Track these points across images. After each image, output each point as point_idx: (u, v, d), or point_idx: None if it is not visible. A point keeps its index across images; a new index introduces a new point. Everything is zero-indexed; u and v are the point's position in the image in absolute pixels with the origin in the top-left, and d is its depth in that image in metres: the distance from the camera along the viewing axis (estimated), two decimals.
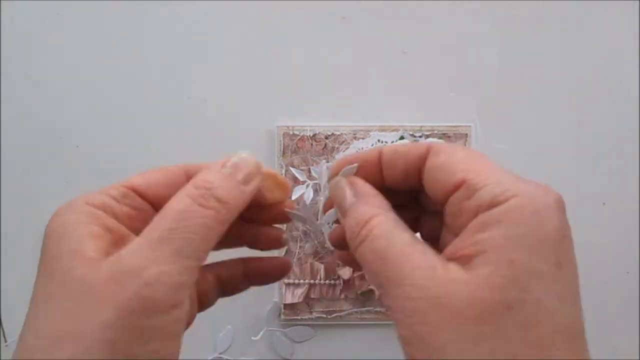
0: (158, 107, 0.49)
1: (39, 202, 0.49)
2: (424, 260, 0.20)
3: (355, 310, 0.49)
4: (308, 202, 0.48)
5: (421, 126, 0.48)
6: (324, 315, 0.49)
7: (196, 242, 0.21)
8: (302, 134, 0.48)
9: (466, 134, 0.48)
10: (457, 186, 0.22)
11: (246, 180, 0.24)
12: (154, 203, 0.24)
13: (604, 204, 0.50)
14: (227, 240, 0.26)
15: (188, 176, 0.25)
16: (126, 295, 0.18)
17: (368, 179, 0.25)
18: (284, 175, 0.48)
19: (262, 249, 0.29)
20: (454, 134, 0.48)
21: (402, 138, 0.48)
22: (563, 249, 0.20)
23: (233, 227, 0.24)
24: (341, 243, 0.26)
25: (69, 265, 0.20)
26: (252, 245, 0.29)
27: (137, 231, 0.22)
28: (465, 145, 0.48)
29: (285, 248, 0.43)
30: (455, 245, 0.21)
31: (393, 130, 0.48)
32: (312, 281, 0.48)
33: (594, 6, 0.49)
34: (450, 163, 0.22)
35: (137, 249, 0.20)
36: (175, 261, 0.20)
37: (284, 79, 0.49)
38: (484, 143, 0.49)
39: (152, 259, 0.19)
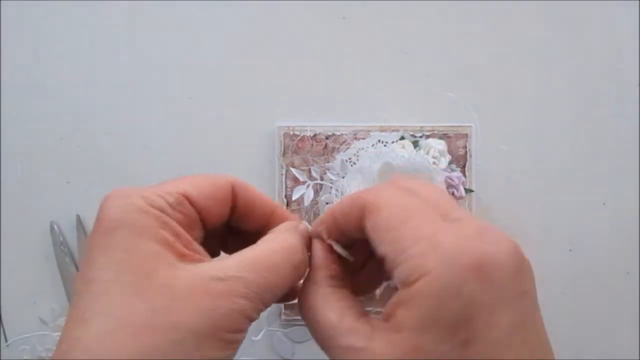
0: (158, 107, 0.49)
1: (39, 202, 0.49)
2: (347, 342, 0.22)
3: None
4: (308, 202, 0.48)
5: (421, 126, 0.48)
6: None
7: (275, 296, 0.24)
8: (302, 134, 0.48)
9: (466, 134, 0.48)
10: (382, 259, 0.23)
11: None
12: (200, 210, 0.25)
13: (604, 204, 0.50)
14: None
15: (234, 191, 0.27)
16: (222, 312, 0.21)
17: (336, 238, 0.26)
18: (284, 175, 0.48)
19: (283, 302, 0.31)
20: (454, 134, 0.48)
21: (402, 138, 0.48)
22: (472, 324, 0.20)
23: None
24: None
25: (150, 267, 0.22)
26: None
27: (187, 238, 0.24)
28: (465, 145, 0.48)
29: None
30: (386, 311, 0.22)
31: (393, 131, 0.48)
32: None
33: (594, 6, 0.49)
34: (376, 230, 0.23)
35: (234, 278, 0.22)
36: (257, 304, 0.23)
37: (284, 79, 0.49)
38: (484, 143, 0.49)
39: (244, 295, 0.22)
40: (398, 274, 0.21)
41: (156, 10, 0.48)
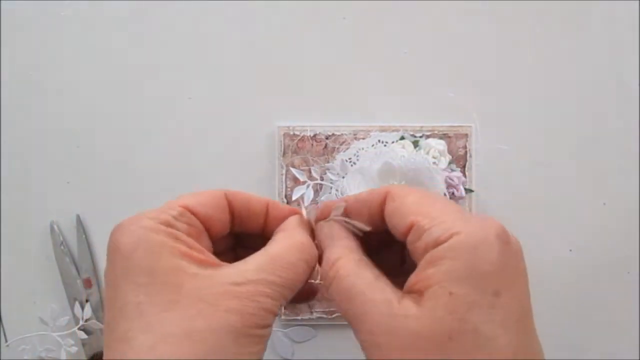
0: (158, 107, 0.49)
1: (39, 202, 0.49)
2: (381, 298, 0.23)
3: None
4: (308, 202, 0.48)
5: (421, 126, 0.48)
6: (325, 316, 0.49)
7: (294, 291, 0.26)
8: (302, 134, 0.48)
9: (466, 134, 0.48)
10: (409, 228, 0.25)
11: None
12: (203, 220, 0.27)
13: (604, 204, 0.50)
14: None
15: (228, 199, 0.29)
16: (250, 311, 0.23)
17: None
18: (284, 175, 0.48)
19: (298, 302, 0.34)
20: (454, 134, 0.48)
21: (402, 138, 0.48)
22: (503, 278, 0.22)
23: None
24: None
25: (174, 281, 0.23)
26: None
27: (199, 247, 0.26)
28: (465, 145, 0.48)
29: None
30: (410, 280, 0.24)
31: (393, 131, 0.48)
32: (312, 281, 0.48)
33: (594, 6, 0.49)
34: (403, 208, 0.25)
35: (254, 281, 0.24)
36: (280, 300, 0.25)
37: (284, 79, 0.49)
38: (484, 143, 0.49)
39: (268, 295, 0.24)
40: (427, 237, 0.23)
41: (156, 11, 0.48)
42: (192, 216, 0.27)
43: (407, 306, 0.22)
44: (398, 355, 0.22)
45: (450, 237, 0.23)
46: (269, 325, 0.24)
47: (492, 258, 0.22)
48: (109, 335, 0.23)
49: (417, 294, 0.23)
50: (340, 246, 0.27)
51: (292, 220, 0.29)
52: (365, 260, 0.26)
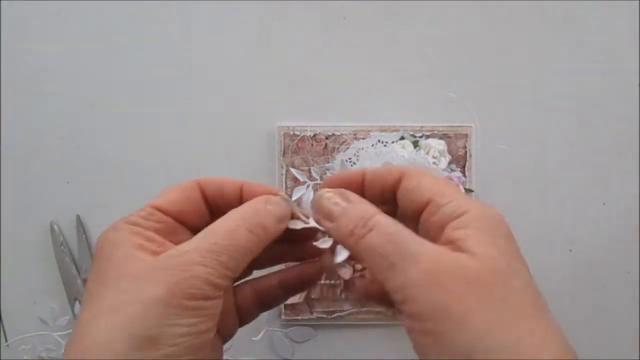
0: (158, 107, 0.49)
1: (39, 202, 0.49)
2: (430, 243, 0.24)
3: (356, 310, 0.49)
4: (308, 202, 0.48)
5: (421, 126, 0.48)
6: (325, 316, 0.49)
7: (236, 259, 0.25)
8: (302, 134, 0.48)
9: (466, 134, 0.48)
10: (426, 204, 0.26)
11: (281, 220, 0.28)
12: (176, 217, 0.28)
13: (604, 204, 0.50)
14: (265, 261, 0.32)
15: (201, 188, 0.29)
16: (175, 280, 0.23)
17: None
18: (284, 175, 0.48)
19: (301, 260, 0.33)
20: (454, 134, 0.48)
21: (402, 138, 0.48)
22: (516, 248, 0.25)
23: (268, 251, 0.29)
24: (369, 294, 0.30)
25: (123, 264, 0.25)
26: (290, 260, 0.33)
27: (167, 239, 0.27)
28: (465, 145, 0.48)
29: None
30: (442, 240, 0.25)
31: (393, 131, 0.48)
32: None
33: (594, 6, 0.49)
34: (420, 186, 0.27)
35: (188, 252, 0.25)
36: (217, 268, 0.24)
37: (284, 79, 0.49)
38: (484, 143, 0.49)
39: (200, 262, 0.24)
40: (446, 209, 0.25)
41: (156, 11, 0.48)
42: (161, 214, 0.28)
43: (456, 252, 0.24)
44: (466, 291, 0.22)
45: (466, 211, 0.25)
46: (207, 297, 0.24)
47: (507, 227, 0.25)
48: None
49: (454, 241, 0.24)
50: (369, 207, 0.27)
51: (256, 198, 0.29)
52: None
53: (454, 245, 0.24)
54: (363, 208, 0.26)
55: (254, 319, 0.32)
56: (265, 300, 0.32)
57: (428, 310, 0.22)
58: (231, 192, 0.29)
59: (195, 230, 0.28)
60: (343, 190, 0.28)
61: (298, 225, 0.30)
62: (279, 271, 0.32)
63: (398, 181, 0.28)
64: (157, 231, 0.27)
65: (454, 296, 0.22)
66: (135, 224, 0.27)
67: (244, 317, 0.31)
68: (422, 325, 0.22)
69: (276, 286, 0.32)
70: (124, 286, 0.24)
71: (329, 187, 0.29)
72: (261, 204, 0.28)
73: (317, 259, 0.32)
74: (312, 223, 0.30)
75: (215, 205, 0.30)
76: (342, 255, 0.28)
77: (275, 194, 0.29)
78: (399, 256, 0.24)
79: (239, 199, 0.29)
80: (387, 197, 0.29)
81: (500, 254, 0.24)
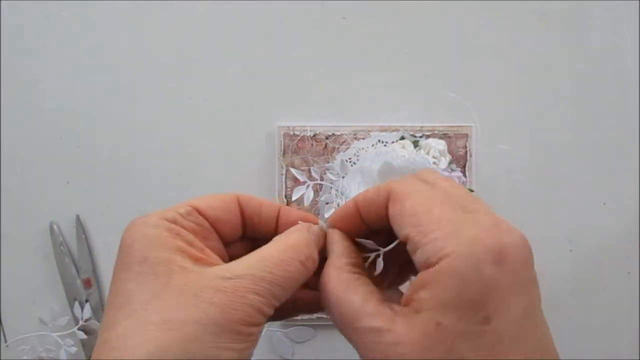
0: (158, 107, 0.49)
1: (39, 202, 0.49)
2: (370, 324, 0.23)
3: None
4: (308, 202, 0.48)
5: (421, 126, 0.48)
6: (325, 316, 0.49)
7: (285, 289, 0.25)
8: (302, 134, 0.48)
9: (466, 134, 0.48)
10: (405, 241, 0.24)
11: (322, 251, 0.28)
12: (212, 223, 0.28)
13: (604, 204, 0.50)
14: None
15: (240, 204, 0.29)
16: (233, 306, 0.23)
17: (357, 228, 0.28)
18: (284, 175, 0.48)
19: (316, 312, 0.32)
20: (454, 134, 0.48)
21: (402, 138, 0.48)
22: (494, 302, 0.21)
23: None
24: None
25: (165, 271, 0.23)
26: (308, 310, 0.32)
27: (200, 246, 0.26)
28: (465, 145, 0.48)
29: None
30: (407, 294, 0.24)
31: (393, 131, 0.48)
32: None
33: (594, 6, 0.49)
34: (400, 215, 0.25)
35: (243, 277, 0.24)
36: (267, 297, 0.24)
37: (284, 79, 0.49)
38: (484, 143, 0.49)
39: (254, 290, 0.24)
40: (420, 256, 0.23)
41: (156, 11, 0.48)
42: (199, 216, 0.27)
43: (397, 332, 0.22)
44: None
45: (439, 260, 0.22)
46: (257, 324, 0.24)
47: (480, 284, 0.21)
48: (101, 323, 0.24)
49: (413, 311, 0.23)
50: (331, 264, 0.27)
51: (298, 225, 0.29)
52: (356, 277, 0.26)
53: (413, 305, 0.23)
54: (325, 270, 0.27)
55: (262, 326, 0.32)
56: (276, 313, 0.32)
57: None
58: (270, 215, 0.29)
59: (226, 241, 0.28)
60: (333, 235, 0.28)
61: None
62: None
63: (387, 203, 0.26)
64: (195, 233, 0.26)
65: None
66: (173, 221, 0.26)
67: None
68: None
69: (290, 302, 0.31)
70: (175, 299, 0.23)
71: (333, 227, 0.29)
72: (306, 234, 0.28)
73: None
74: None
75: (250, 223, 0.29)
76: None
77: (315, 223, 0.29)
78: (345, 335, 0.25)
79: (276, 221, 0.29)
80: (386, 221, 0.27)
81: (441, 338, 0.21)
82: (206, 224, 0.27)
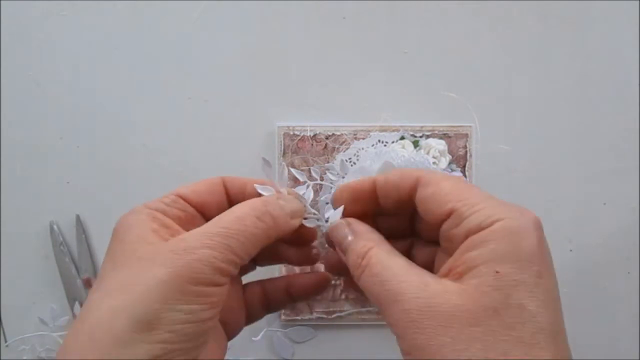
0: (158, 107, 0.49)
1: (39, 202, 0.49)
2: (416, 278, 0.24)
3: (356, 310, 0.49)
4: (308, 202, 0.48)
5: (422, 126, 0.48)
6: (325, 316, 0.49)
7: (244, 244, 0.25)
8: (302, 134, 0.48)
9: (466, 134, 0.48)
10: (448, 215, 0.25)
11: (293, 216, 0.29)
12: (198, 207, 0.29)
13: (604, 204, 0.50)
14: (269, 257, 0.32)
15: (225, 185, 0.30)
16: (180, 263, 0.23)
17: (365, 208, 0.29)
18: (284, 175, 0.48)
19: (299, 265, 0.34)
20: (454, 134, 0.48)
21: (402, 138, 0.48)
22: (543, 261, 0.23)
23: (274, 248, 0.30)
24: (335, 268, 0.32)
25: (134, 246, 0.25)
26: (290, 262, 0.33)
27: (185, 229, 0.27)
28: (465, 145, 0.48)
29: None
30: (449, 264, 0.24)
31: (393, 131, 0.48)
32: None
33: (594, 6, 0.49)
34: (439, 194, 0.26)
35: (197, 234, 0.25)
36: (223, 252, 0.24)
37: (284, 79, 0.49)
38: (484, 143, 0.49)
39: (207, 245, 0.24)
40: (470, 222, 0.24)
41: (156, 11, 0.48)
42: (184, 203, 0.28)
43: (446, 284, 0.23)
44: (439, 329, 0.22)
45: (493, 223, 0.23)
46: (212, 283, 0.24)
47: (533, 242, 0.23)
48: None
49: (456, 276, 0.23)
50: (369, 239, 0.27)
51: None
52: (395, 251, 0.26)
53: (459, 269, 0.23)
54: (360, 244, 0.27)
55: (259, 319, 0.32)
56: (272, 302, 0.32)
57: (409, 348, 0.23)
58: (253, 191, 0.30)
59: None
60: (351, 220, 0.29)
61: (312, 223, 0.31)
62: (287, 276, 0.33)
63: (413, 188, 0.27)
64: (177, 219, 0.27)
65: (427, 335, 0.22)
66: (156, 209, 0.27)
67: (250, 315, 0.32)
68: None
69: (283, 289, 0.32)
70: (131, 268, 0.24)
71: (340, 198, 0.30)
72: (272, 197, 0.29)
73: (322, 271, 0.33)
74: (324, 222, 0.30)
75: (236, 201, 0.30)
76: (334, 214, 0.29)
77: (290, 193, 0.30)
78: (383, 296, 0.24)
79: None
80: (404, 206, 0.28)
81: (499, 285, 0.22)
82: (190, 209, 0.28)
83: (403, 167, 0.45)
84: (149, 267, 0.23)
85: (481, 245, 0.23)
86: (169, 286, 0.23)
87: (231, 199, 0.30)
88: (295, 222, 0.29)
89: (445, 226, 0.25)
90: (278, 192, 0.30)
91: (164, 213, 0.27)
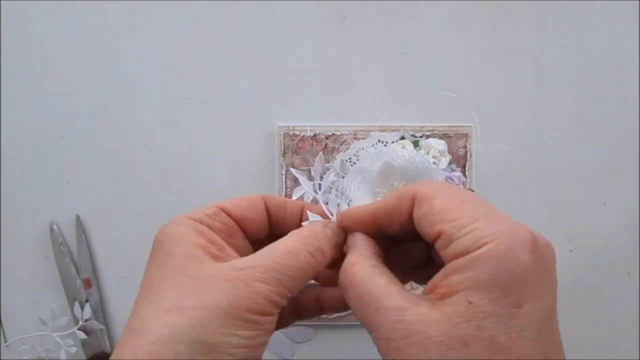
0: (158, 107, 0.49)
1: (39, 202, 0.49)
2: (394, 305, 0.23)
3: None
4: (308, 202, 0.48)
5: (421, 126, 0.48)
6: (325, 316, 0.49)
7: (295, 279, 0.26)
8: (302, 134, 0.48)
9: (466, 134, 0.48)
10: (437, 237, 0.25)
11: (337, 246, 0.29)
12: (239, 221, 0.29)
13: (604, 204, 0.50)
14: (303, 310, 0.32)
15: (266, 202, 0.30)
16: (240, 293, 0.24)
17: (371, 233, 0.29)
18: (284, 175, 0.48)
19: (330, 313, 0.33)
20: (454, 134, 0.48)
21: (402, 138, 0.48)
22: (527, 289, 0.22)
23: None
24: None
25: (184, 263, 0.25)
26: (321, 311, 0.33)
27: (228, 243, 0.28)
28: (465, 145, 0.48)
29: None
30: (433, 282, 0.24)
31: (393, 131, 0.48)
32: (312, 281, 0.48)
33: (594, 6, 0.49)
34: (430, 214, 0.25)
35: (252, 267, 0.25)
36: (277, 287, 0.25)
37: (284, 79, 0.49)
38: (484, 143, 0.49)
39: (262, 279, 0.25)
40: (457, 245, 0.23)
41: (156, 10, 0.48)
42: (225, 216, 0.29)
43: (421, 312, 0.23)
44: (416, 357, 0.22)
45: (480, 246, 0.23)
46: (266, 313, 0.25)
47: (517, 269, 0.22)
48: (130, 314, 0.26)
49: (439, 296, 0.23)
50: (356, 253, 0.27)
51: (311, 222, 0.30)
52: (380, 266, 0.26)
53: (441, 290, 0.23)
54: (347, 259, 0.27)
55: (289, 325, 0.33)
56: (302, 311, 0.32)
57: None
58: (293, 212, 0.31)
59: (253, 239, 0.30)
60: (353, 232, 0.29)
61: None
62: (318, 287, 0.33)
63: (411, 208, 0.27)
64: (219, 232, 0.28)
65: None
66: (199, 221, 0.28)
67: (280, 321, 0.31)
68: None
69: (312, 301, 0.32)
70: (188, 288, 0.24)
71: (343, 226, 0.29)
72: (320, 228, 0.29)
73: None
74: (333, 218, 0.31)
75: (276, 221, 0.31)
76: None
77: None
78: (366, 322, 0.24)
79: (300, 219, 0.31)
80: (409, 227, 0.27)
81: (471, 317, 0.22)
82: (232, 223, 0.29)
83: (403, 167, 0.45)
84: (209, 291, 0.24)
85: (462, 271, 0.23)
86: (230, 313, 0.24)
87: (271, 218, 0.31)
88: (337, 252, 0.29)
89: (436, 246, 0.25)
90: (327, 218, 0.30)
91: (208, 226, 0.28)
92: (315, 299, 0.32)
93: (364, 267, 0.26)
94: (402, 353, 0.22)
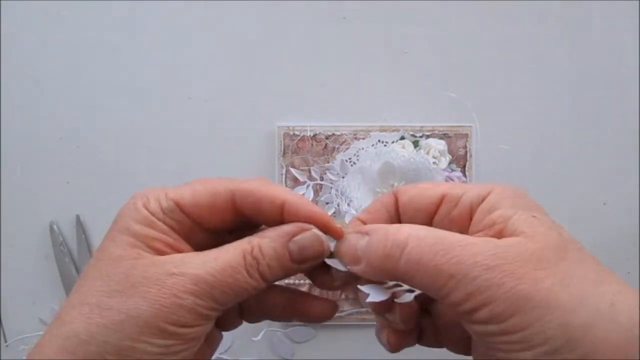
0: (158, 107, 0.49)
1: (39, 202, 0.49)
2: (475, 239, 0.23)
3: (356, 310, 0.49)
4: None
5: (422, 126, 0.48)
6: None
7: (230, 296, 0.24)
8: (302, 134, 0.48)
9: (466, 134, 0.48)
10: (441, 199, 0.26)
11: (302, 262, 0.26)
12: (195, 219, 0.26)
13: (604, 204, 0.50)
14: (272, 310, 0.30)
15: (235, 199, 0.26)
16: (164, 303, 0.23)
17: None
18: (284, 175, 0.48)
19: (312, 322, 0.32)
20: (454, 134, 0.48)
21: (402, 138, 0.48)
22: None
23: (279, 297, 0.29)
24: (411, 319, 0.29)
25: (119, 255, 0.24)
26: (301, 318, 0.30)
27: (180, 234, 0.26)
28: (465, 145, 0.48)
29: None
30: (471, 231, 0.25)
31: (393, 131, 0.48)
32: (305, 280, 0.48)
33: (594, 6, 0.49)
34: (422, 195, 0.27)
35: (184, 274, 0.24)
36: (207, 301, 0.24)
37: (284, 79, 0.49)
38: (484, 143, 0.49)
39: (191, 291, 0.23)
40: (467, 198, 0.26)
41: (156, 11, 0.48)
42: (180, 213, 0.26)
43: (501, 240, 0.23)
44: (537, 276, 0.22)
45: (487, 194, 0.25)
46: (190, 326, 0.23)
47: (527, 195, 0.26)
48: None
49: (496, 235, 0.24)
50: (392, 224, 0.26)
51: (278, 229, 0.26)
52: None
53: (493, 230, 0.24)
54: (387, 229, 0.24)
55: (257, 322, 0.31)
56: (267, 313, 0.30)
57: (509, 306, 0.21)
58: (270, 211, 0.26)
59: (215, 231, 0.27)
60: (357, 223, 0.27)
61: (339, 266, 0.27)
62: (288, 294, 0.30)
63: (437, 205, 0.26)
64: (173, 228, 0.26)
65: (530, 283, 0.21)
66: (153, 213, 0.25)
67: (246, 316, 0.30)
68: (506, 325, 0.21)
69: (279, 307, 0.30)
70: (115, 285, 0.23)
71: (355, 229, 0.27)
72: (282, 243, 0.25)
73: (326, 300, 0.30)
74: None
75: (250, 215, 0.27)
76: (375, 296, 0.26)
77: (322, 222, 0.26)
78: (454, 264, 0.22)
79: (280, 216, 0.26)
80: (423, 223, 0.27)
81: (548, 227, 0.24)
82: (186, 220, 0.26)
83: (403, 167, 0.45)
84: (133, 294, 0.23)
85: (498, 206, 0.25)
86: (148, 323, 0.23)
87: (244, 215, 0.27)
88: (303, 267, 0.26)
89: (439, 214, 0.26)
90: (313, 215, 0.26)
91: (160, 220, 0.25)
92: (288, 305, 0.29)
93: (413, 226, 0.24)
94: (519, 279, 0.21)
